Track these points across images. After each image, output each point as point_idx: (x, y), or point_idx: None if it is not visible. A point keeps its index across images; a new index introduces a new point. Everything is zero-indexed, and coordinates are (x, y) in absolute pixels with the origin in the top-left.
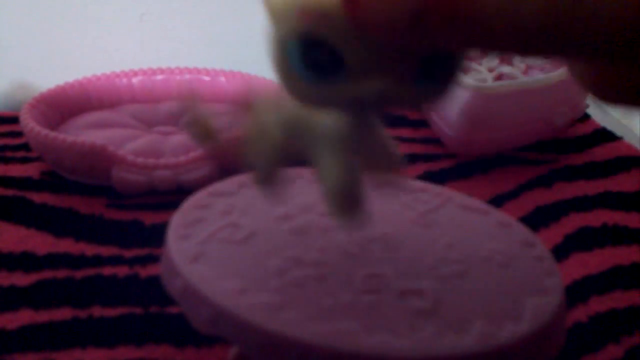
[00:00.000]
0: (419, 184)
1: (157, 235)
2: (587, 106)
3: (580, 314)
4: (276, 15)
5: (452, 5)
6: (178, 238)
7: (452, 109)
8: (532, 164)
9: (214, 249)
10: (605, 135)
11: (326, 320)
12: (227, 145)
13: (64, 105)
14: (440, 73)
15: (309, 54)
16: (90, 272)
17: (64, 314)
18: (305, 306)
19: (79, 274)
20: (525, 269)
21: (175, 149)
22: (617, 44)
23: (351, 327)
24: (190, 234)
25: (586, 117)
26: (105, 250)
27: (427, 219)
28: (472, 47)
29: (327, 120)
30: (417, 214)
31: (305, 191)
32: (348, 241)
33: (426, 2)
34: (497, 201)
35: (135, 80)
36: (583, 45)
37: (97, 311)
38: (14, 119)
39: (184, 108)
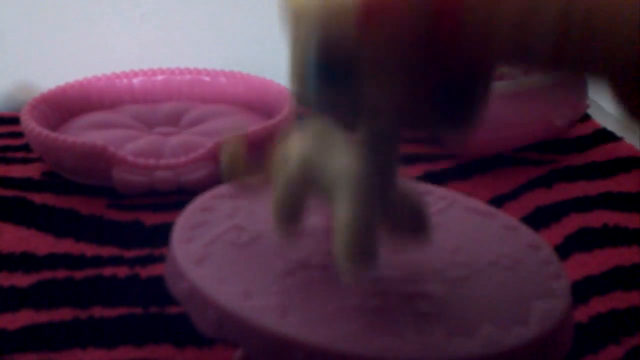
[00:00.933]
0: (424, 186)
1: (157, 236)
2: (588, 107)
3: (580, 314)
4: (298, 21)
5: (463, 24)
6: (183, 240)
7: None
8: (532, 165)
9: (218, 251)
10: (605, 136)
11: (332, 323)
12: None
13: (64, 106)
14: (459, 102)
15: (326, 60)
16: (90, 272)
17: (64, 314)
18: (310, 309)
19: (79, 275)
20: (531, 273)
21: (175, 149)
22: (631, 64)
23: (357, 329)
24: (195, 237)
25: (586, 117)
26: (106, 251)
27: (433, 222)
28: (487, 65)
29: (347, 161)
30: None
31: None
32: None
33: (437, 22)
34: (497, 201)
35: (135, 80)
36: (596, 62)
37: (98, 311)
38: (14, 120)
39: (225, 141)
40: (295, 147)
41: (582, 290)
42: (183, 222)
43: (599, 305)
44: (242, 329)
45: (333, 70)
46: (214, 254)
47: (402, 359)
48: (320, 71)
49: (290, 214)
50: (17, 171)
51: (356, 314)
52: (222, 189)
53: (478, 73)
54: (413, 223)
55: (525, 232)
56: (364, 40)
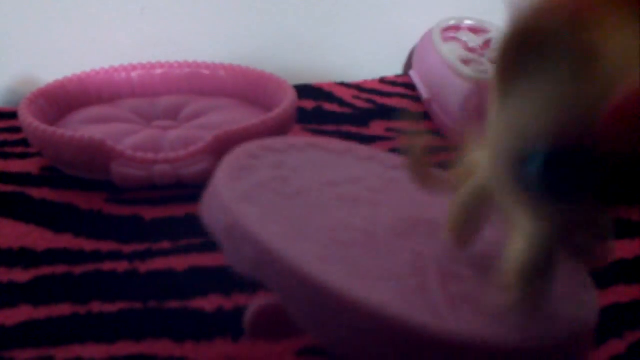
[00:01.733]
0: None
1: (157, 230)
2: None
3: None
4: (520, 128)
5: None
6: (229, 177)
7: (453, 101)
8: None
9: (263, 195)
10: None
11: (368, 282)
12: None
13: (62, 100)
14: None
15: (553, 171)
16: (89, 267)
17: (63, 309)
18: (349, 265)
19: (78, 270)
20: (564, 279)
21: (174, 143)
22: None
23: (392, 293)
24: (241, 177)
25: None
26: (105, 246)
27: None
28: None
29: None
30: None
31: (354, 165)
32: (394, 218)
33: None
34: None
35: (134, 74)
36: None
37: (97, 307)
38: (12, 115)
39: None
40: (476, 169)
41: None
42: (230, 161)
43: (601, 298)
44: (280, 270)
45: (561, 176)
46: (259, 196)
47: (434, 331)
48: (546, 174)
49: (463, 230)
50: (15, 166)
51: (393, 280)
52: (269, 141)
53: None
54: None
55: None
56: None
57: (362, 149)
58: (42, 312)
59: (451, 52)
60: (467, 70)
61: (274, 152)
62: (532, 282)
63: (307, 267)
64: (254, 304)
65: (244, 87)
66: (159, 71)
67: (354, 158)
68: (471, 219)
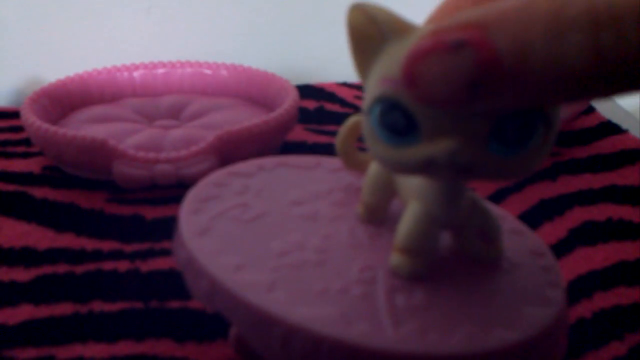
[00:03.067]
0: None
1: (158, 230)
2: None
3: (583, 309)
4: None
5: (502, 69)
6: (190, 212)
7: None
8: None
9: (222, 225)
10: (610, 128)
11: (314, 304)
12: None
13: (65, 100)
14: (516, 136)
15: (387, 117)
16: (90, 267)
17: (64, 309)
18: (295, 289)
19: (80, 269)
20: (528, 278)
21: (176, 143)
22: None
23: (337, 313)
24: (203, 209)
25: (591, 109)
26: (106, 245)
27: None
28: (529, 103)
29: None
30: None
31: (323, 178)
32: (352, 231)
33: (477, 73)
34: (501, 194)
35: (136, 74)
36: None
37: (98, 306)
38: (15, 114)
39: None
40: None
41: (585, 285)
42: (194, 193)
43: (602, 300)
44: (230, 301)
45: (394, 119)
46: (217, 227)
47: (375, 348)
48: (382, 120)
49: (373, 203)
50: (17, 166)
51: (340, 298)
52: (238, 166)
53: (530, 113)
54: (482, 233)
55: (531, 237)
56: (415, 99)
57: (332, 161)
58: (43, 312)
59: None
60: None
61: (240, 177)
62: (417, 254)
63: (252, 297)
64: (233, 329)
65: (246, 86)
66: (160, 71)
67: (324, 171)
68: (380, 192)
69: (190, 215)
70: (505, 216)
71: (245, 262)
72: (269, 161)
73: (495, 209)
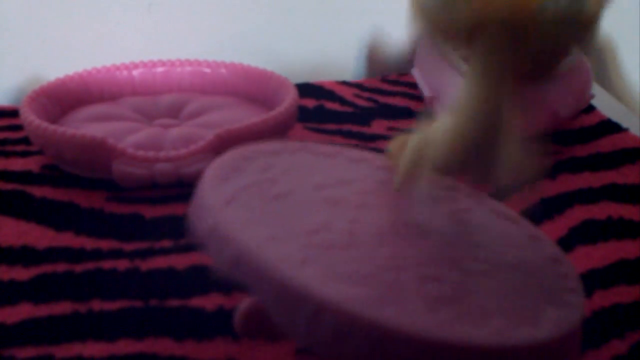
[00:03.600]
0: (451, 181)
1: (157, 229)
2: (592, 97)
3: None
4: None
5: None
6: (215, 180)
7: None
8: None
9: (247, 198)
10: (610, 127)
11: (346, 284)
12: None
13: (64, 98)
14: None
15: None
16: (90, 265)
17: (63, 308)
18: (326, 266)
19: (79, 268)
20: (549, 282)
21: (176, 141)
22: None
23: (369, 295)
24: (228, 179)
25: (591, 108)
26: (106, 244)
27: (458, 217)
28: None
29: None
30: (449, 210)
31: (344, 167)
32: (378, 219)
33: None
34: (502, 193)
35: (135, 72)
36: None
37: (97, 305)
38: (14, 113)
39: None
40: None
41: (585, 284)
42: (219, 163)
43: (602, 299)
44: (256, 272)
45: None
46: (243, 199)
47: (410, 332)
48: None
49: (409, 173)
50: (16, 164)
51: (371, 281)
52: (262, 145)
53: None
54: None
55: (549, 244)
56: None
57: (354, 152)
58: (42, 310)
59: (453, 49)
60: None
61: (264, 155)
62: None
63: (283, 270)
64: (244, 303)
65: (246, 85)
66: (160, 69)
67: (345, 160)
68: (415, 164)
69: (216, 184)
70: (520, 220)
71: (275, 235)
72: (291, 144)
73: (510, 213)
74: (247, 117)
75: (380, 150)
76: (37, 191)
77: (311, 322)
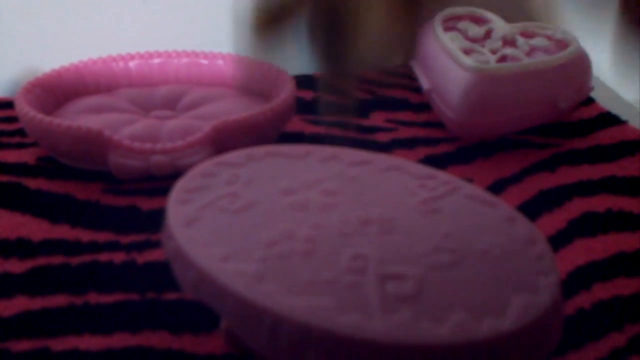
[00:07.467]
0: (427, 169)
1: (154, 221)
2: (592, 89)
3: (583, 301)
4: None
5: None
6: (178, 202)
7: (453, 92)
8: (535, 148)
9: (210, 215)
10: (610, 119)
11: (300, 296)
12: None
13: (59, 90)
14: None
15: None
16: (86, 258)
17: (59, 300)
18: (284, 279)
19: (75, 261)
20: (521, 266)
21: (172, 133)
22: None
23: (326, 304)
24: (191, 199)
25: (591, 100)
26: (102, 236)
27: (430, 206)
28: None
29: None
30: (420, 200)
31: (314, 168)
32: (343, 220)
33: None
34: (500, 185)
35: (132, 64)
36: None
37: (93, 298)
38: (9, 104)
39: None
40: None
41: (585, 276)
42: (182, 184)
43: (602, 291)
44: (216, 292)
45: None
46: (205, 217)
47: (366, 337)
48: None
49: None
50: (11, 156)
51: (329, 287)
52: (227, 156)
53: None
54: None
55: (524, 224)
56: None
57: (323, 150)
58: (38, 303)
59: (452, 41)
60: (468, 60)
61: (229, 167)
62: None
63: (239, 289)
64: (222, 323)
65: (243, 77)
66: (156, 60)
67: (314, 160)
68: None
69: (178, 206)
70: (497, 203)
71: (233, 252)
72: (258, 151)
73: (487, 197)
74: (244, 108)
75: (378, 143)
76: (33, 183)
77: (271, 337)
